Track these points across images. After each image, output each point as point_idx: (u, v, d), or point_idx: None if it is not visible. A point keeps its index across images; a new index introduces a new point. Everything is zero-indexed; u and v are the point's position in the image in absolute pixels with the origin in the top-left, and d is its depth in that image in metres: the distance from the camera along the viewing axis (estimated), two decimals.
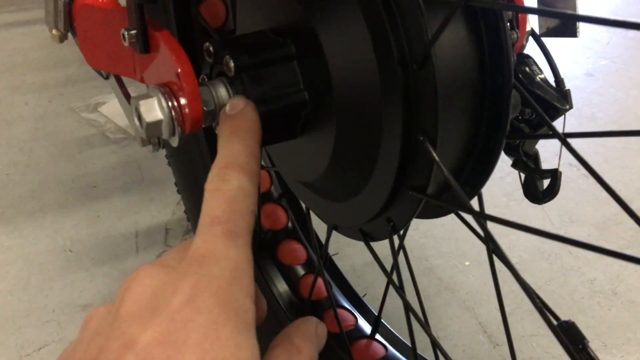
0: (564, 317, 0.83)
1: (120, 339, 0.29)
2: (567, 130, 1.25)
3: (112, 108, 1.23)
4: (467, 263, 0.91)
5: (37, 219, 0.98)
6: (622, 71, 1.45)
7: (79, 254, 0.92)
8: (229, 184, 0.34)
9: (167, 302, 0.29)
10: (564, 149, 0.41)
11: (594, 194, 1.03)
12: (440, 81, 0.34)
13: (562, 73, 1.52)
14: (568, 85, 1.50)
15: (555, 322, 0.38)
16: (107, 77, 0.52)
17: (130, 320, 0.29)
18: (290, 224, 0.72)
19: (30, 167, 1.10)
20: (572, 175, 1.07)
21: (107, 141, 1.17)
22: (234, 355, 0.28)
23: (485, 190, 1.11)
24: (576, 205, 1.01)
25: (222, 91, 0.41)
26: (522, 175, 0.58)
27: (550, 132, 0.40)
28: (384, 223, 0.43)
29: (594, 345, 0.77)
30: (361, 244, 0.47)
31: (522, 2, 0.48)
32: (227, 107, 0.38)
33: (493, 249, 0.38)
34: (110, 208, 1.01)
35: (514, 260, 0.91)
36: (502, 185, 1.06)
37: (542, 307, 0.34)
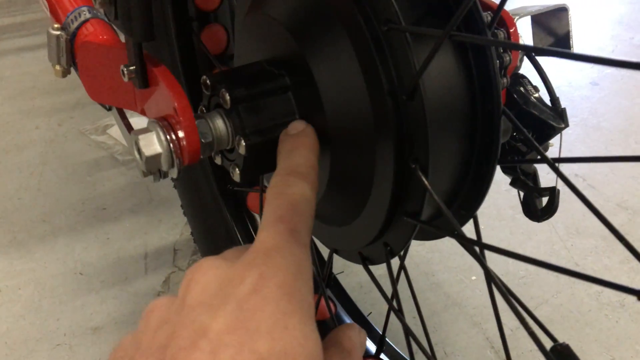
0: (571, 330, 0.83)
1: (191, 327, 0.29)
2: (573, 139, 1.25)
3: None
4: (473, 278, 0.91)
5: (48, 242, 1.00)
6: (627, 79, 1.44)
7: (90, 276, 0.93)
8: (292, 188, 0.36)
9: (235, 292, 0.30)
10: (561, 170, 0.41)
11: (601, 205, 1.02)
12: (430, 111, 0.35)
13: (567, 82, 1.52)
14: (573, 94, 1.50)
15: (551, 345, 0.39)
16: (109, 109, 0.53)
17: (199, 308, 0.30)
18: None
19: (41, 190, 1.12)
20: (577, 186, 1.06)
21: (116, 163, 1.19)
22: (302, 345, 0.29)
23: (491, 204, 1.11)
24: (583, 217, 1.01)
25: (219, 123, 0.42)
26: (522, 194, 0.59)
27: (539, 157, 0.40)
28: (382, 247, 0.44)
29: (602, 358, 0.77)
30: None
31: (516, 31, 0.49)
32: (289, 128, 0.41)
33: (488, 275, 0.39)
34: (120, 230, 1.02)
35: (521, 274, 0.91)
36: (508, 197, 1.06)
37: (533, 332, 0.34)
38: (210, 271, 0.32)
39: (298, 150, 0.39)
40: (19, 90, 1.47)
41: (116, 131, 1.27)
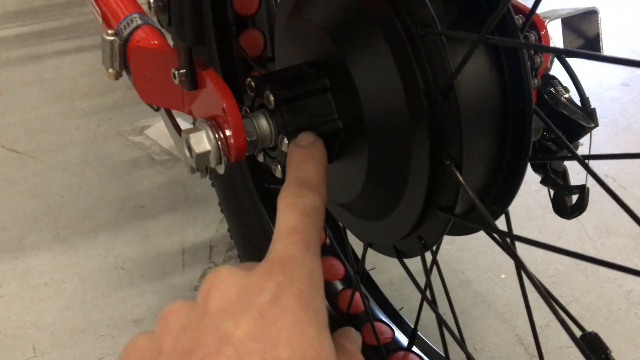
0: (600, 328, 0.84)
1: (214, 333, 0.31)
2: (603, 140, 1.25)
3: (157, 131, 1.29)
4: (503, 276, 0.92)
5: (90, 238, 1.04)
6: None
7: (130, 271, 0.97)
8: (304, 200, 0.38)
9: (255, 300, 0.32)
10: (590, 168, 0.43)
11: (631, 205, 1.02)
12: (464, 110, 0.37)
13: (598, 83, 1.52)
14: (604, 95, 1.50)
15: (579, 334, 0.41)
16: (157, 110, 0.57)
17: (221, 315, 0.31)
18: (328, 241, 0.75)
19: (83, 189, 1.16)
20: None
21: (153, 162, 1.23)
22: (318, 353, 0.31)
23: (521, 204, 1.12)
24: (613, 217, 1.01)
25: (263, 122, 0.45)
26: (552, 192, 0.60)
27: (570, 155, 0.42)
28: (416, 241, 0.46)
29: (631, 356, 0.78)
30: None
31: (547, 33, 0.51)
32: (298, 139, 0.42)
33: (520, 266, 0.41)
34: (158, 227, 1.06)
35: (550, 272, 0.92)
36: (538, 197, 1.07)
37: (564, 320, 0.36)
38: (228, 279, 0.34)
39: (308, 162, 0.40)
40: (59, 92, 1.52)
41: (152, 132, 1.31)
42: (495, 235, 0.45)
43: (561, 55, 0.51)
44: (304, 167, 0.40)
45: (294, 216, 0.37)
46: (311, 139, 0.42)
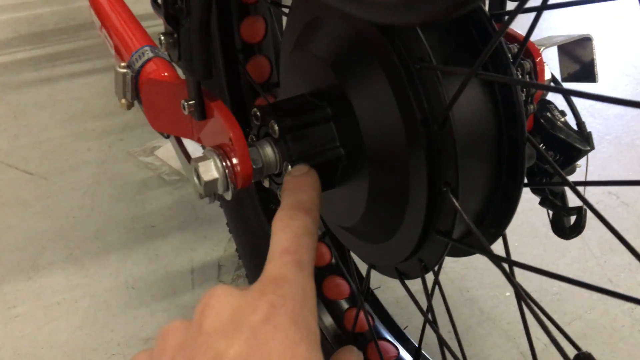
0: (604, 345, 0.85)
1: (208, 353, 0.32)
2: (606, 157, 1.26)
3: (167, 152, 1.32)
4: (507, 294, 0.93)
5: (101, 258, 1.06)
6: None
7: (140, 290, 0.99)
8: (297, 222, 0.39)
9: (248, 320, 0.33)
10: (586, 192, 0.45)
11: (634, 222, 1.04)
12: (459, 139, 0.39)
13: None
14: (607, 112, 1.51)
15: (575, 354, 0.42)
16: (167, 137, 0.59)
17: (215, 335, 0.33)
18: (333, 260, 0.77)
19: (94, 209, 1.19)
20: (611, 203, 1.08)
21: (163, 183, 1.26)
22: None
23: (525, 221, 1.13)
24: None
25: (268, 150, 0.47)
26: (551, 212, 0.62)
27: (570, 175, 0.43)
28: (416, 263, 0.48)
29: None
30: None
31: (541, 61, 0.52)
32: (292, 170, 0.44)
33: (514, 285, 0.42)
34: (168, 246, 1.08)
35: (554, 290, 0.93)
36: (542, 215, 1.08)
37: (555, 339, 0.37)
38: (223, 298, 0.35)
39: (302, 188, 0.42)
40: (71, 114, 1.55)
41: (162, 153, 1.33)
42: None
43: (548, 91, 0.53)
44: (297, 193, 0.42)
45: (287, 237, 0.38)
46: (305, 169, 0.44)
